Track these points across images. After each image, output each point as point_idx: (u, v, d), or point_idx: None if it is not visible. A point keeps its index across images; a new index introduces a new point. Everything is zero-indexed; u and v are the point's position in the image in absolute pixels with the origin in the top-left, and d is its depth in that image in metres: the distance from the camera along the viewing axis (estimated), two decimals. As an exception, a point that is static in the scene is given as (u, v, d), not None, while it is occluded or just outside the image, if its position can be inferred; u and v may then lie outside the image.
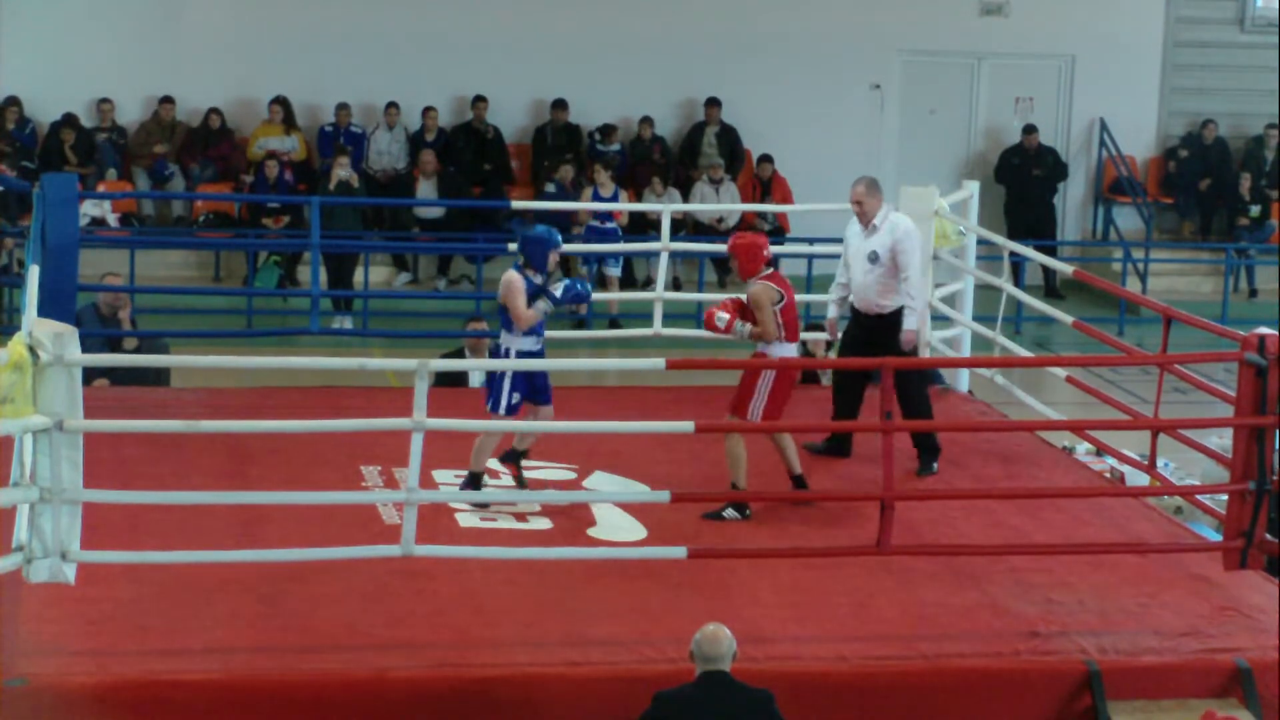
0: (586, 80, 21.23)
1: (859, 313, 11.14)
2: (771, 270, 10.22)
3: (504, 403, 9.94)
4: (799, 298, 17.66)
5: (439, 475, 10.23)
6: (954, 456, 11.14)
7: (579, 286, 10.09)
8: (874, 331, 11.02)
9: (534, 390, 10.06)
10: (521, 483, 10.18)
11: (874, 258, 10.94)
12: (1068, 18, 22.12)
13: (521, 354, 9.99)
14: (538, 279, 9.95)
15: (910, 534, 9.47)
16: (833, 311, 11.51)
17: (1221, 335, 9.66)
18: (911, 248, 10.92)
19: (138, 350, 13.26)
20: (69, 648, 7.92)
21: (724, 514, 9.82)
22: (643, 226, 19.79)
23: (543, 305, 9.92)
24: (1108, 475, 11.79)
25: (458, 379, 12.85)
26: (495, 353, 10.31)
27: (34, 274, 10.59)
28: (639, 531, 9.64)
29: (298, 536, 8.88)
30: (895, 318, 10.98)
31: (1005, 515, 10.07)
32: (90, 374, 9.23)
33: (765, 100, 21.56)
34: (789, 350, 10.20)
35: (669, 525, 9.58)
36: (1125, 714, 8.22)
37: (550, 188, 20.21)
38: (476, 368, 12.82)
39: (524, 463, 10.51)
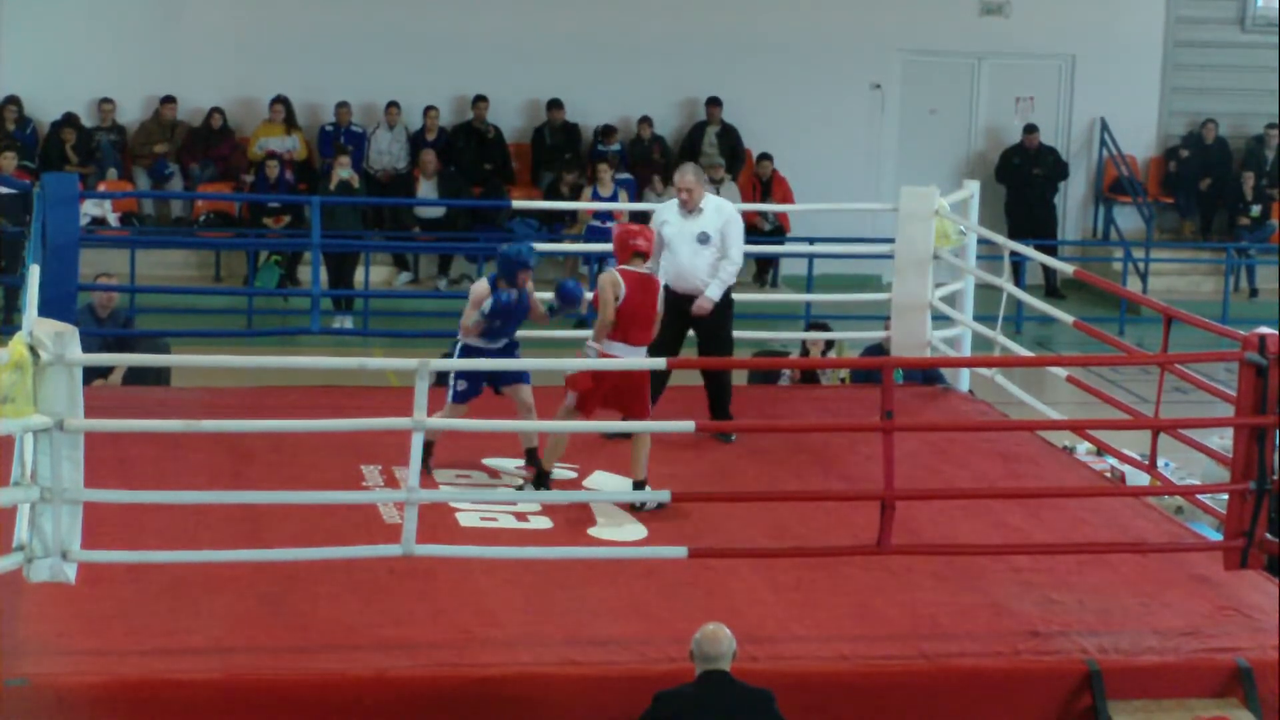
0: (586, 80, 21.23)
1: (677, 294, 11.14)
2: (634, 268, 10.02)
3: (450, 389, 10.18)
4: (801, 297, 17.75)
5: (439, 475, 10.24)
6: (954, 456, 11.15)
7: (505, 298, 10.12)
8: (690, 312, 11.28)
9: (493, 377, 10.21)
10: (544, 479, 10.22)
11: (705, 239, 11.22)
12: (1068, 18, 22.12)
13: (467, 348, 10.27)
14: (511, 294, 10.08)
15: (910, 534, 9.47)
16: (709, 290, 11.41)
17: (1222, 335, 9.66)
18: (739, 230, 11.35)
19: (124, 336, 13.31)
20: (69, 648, 7.91)
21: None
22: (643, 226, 19.77)
23: (474, 316, 10.13)
24: (1108, 475, 11.79)
25: (458, 379, 12.83)
26: (452, 347, 10.54)
27: (34, 274, 10.59)
28: (639, 531, 9.64)
29: (298, 536, 8.89)
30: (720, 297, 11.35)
31: (1005, 515, 10.07)
32: (89, 375, 9.26)
33: (765, 100, 21.55)
34: (622, 350, 9.89)
35: (669, 525, 9.58)
36: (1125, 714, 8.23)
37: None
38: (476, 367, 12.81)
39: (526, 463, 10.51)
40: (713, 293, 11.29)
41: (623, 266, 10.01)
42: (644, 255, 10.16)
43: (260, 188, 19.92)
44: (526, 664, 8.05)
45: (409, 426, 8.24)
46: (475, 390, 10.24)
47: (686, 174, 11.34)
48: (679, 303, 11.12)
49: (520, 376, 10.28)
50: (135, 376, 12.47)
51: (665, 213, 11.42)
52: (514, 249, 10.17)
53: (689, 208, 11.27)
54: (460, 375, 10.15)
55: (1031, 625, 8.65)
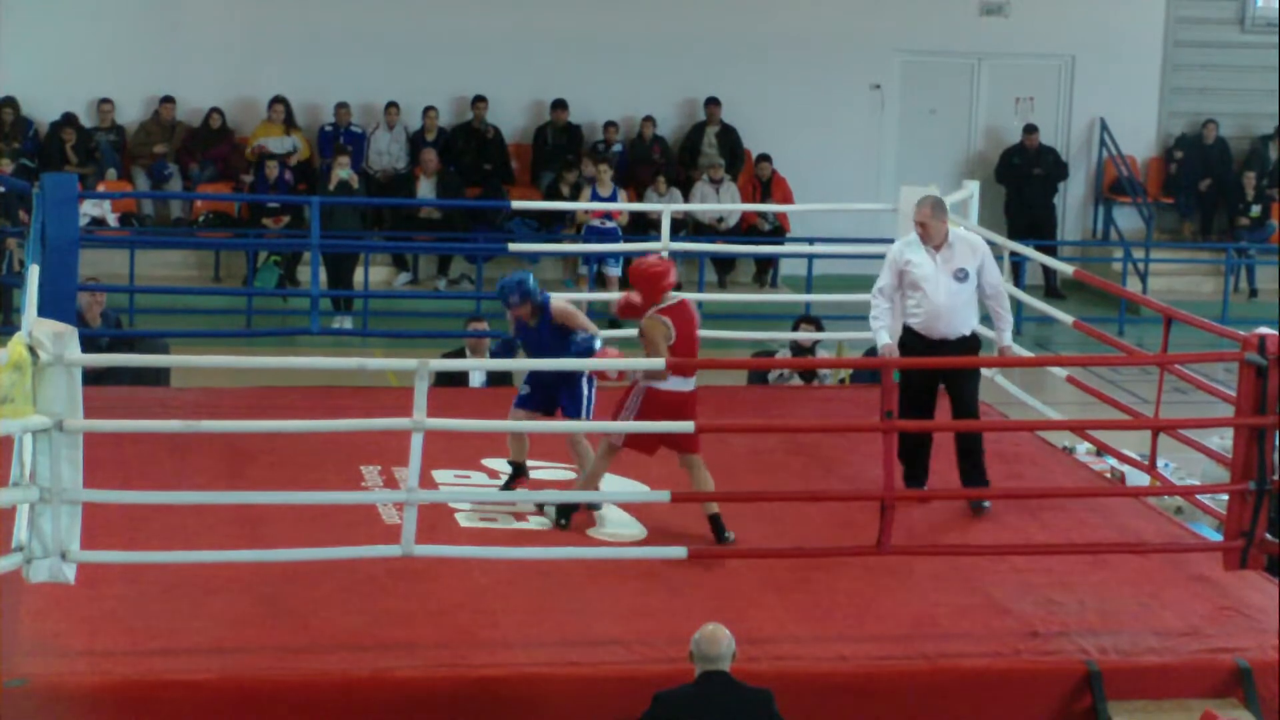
0: (586, 80, 21.22)
1: (929, 339, 10.32)
2: (673, 301, 9.56)
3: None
4: (800, 297, 17.76)
5: (439, 475, 10.24)
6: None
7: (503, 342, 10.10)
8: (950, 355, 10.32)
9: (559, 397, 9.92)
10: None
11: (963, 276, 10.21)
12: (1068, 18, 22.11)
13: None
14: (509, 337, 10.04)
15: (910, 534, 9.47)
16: (887, 338, 10.52)
17: (1222, 335, 9.66)
18: (992, 265, 10.32)
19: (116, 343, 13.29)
20: (69, 648, 7.92)
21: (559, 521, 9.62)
22: (643, 226, 19.81)
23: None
24: (1108, 475, 11.80)
25: (458, 379, 12.85)
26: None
27: (34, 274, 10.59)
28: (639, 531, 9.64)
29: (298, 536, 8.88)
30: (972, 340, 10.43)
31: (1005, 515, 10.07)
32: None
33: (765, 100, 21.55)
34: (680, 384, 9.44)
35: (669, 525, 9.58)
36: (1125, 714, 8.23)
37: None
38: (476, 367, 12.83)
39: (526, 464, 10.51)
40: (1009, 339, 10.41)
41: (661, 306, 9.54)
42: (674, 289, 9.64)
43: (259, 188, 19.92)
44: (526, 664, 8.05)
45: (409, 427, 8.23)
46: (537, 402, 9.90)
47: (923, 206, 10.23)
48: (933, 348, 10.26)
49: (578, 411, 9.86)
50: (134, 377, 12.45)
51: (907, 251, 10.31)
52: (497, 290, 9.88)
53: (932, 243, 10.20)
54: (519, 404, 9.92)
55: (1031, 625, 8.66)
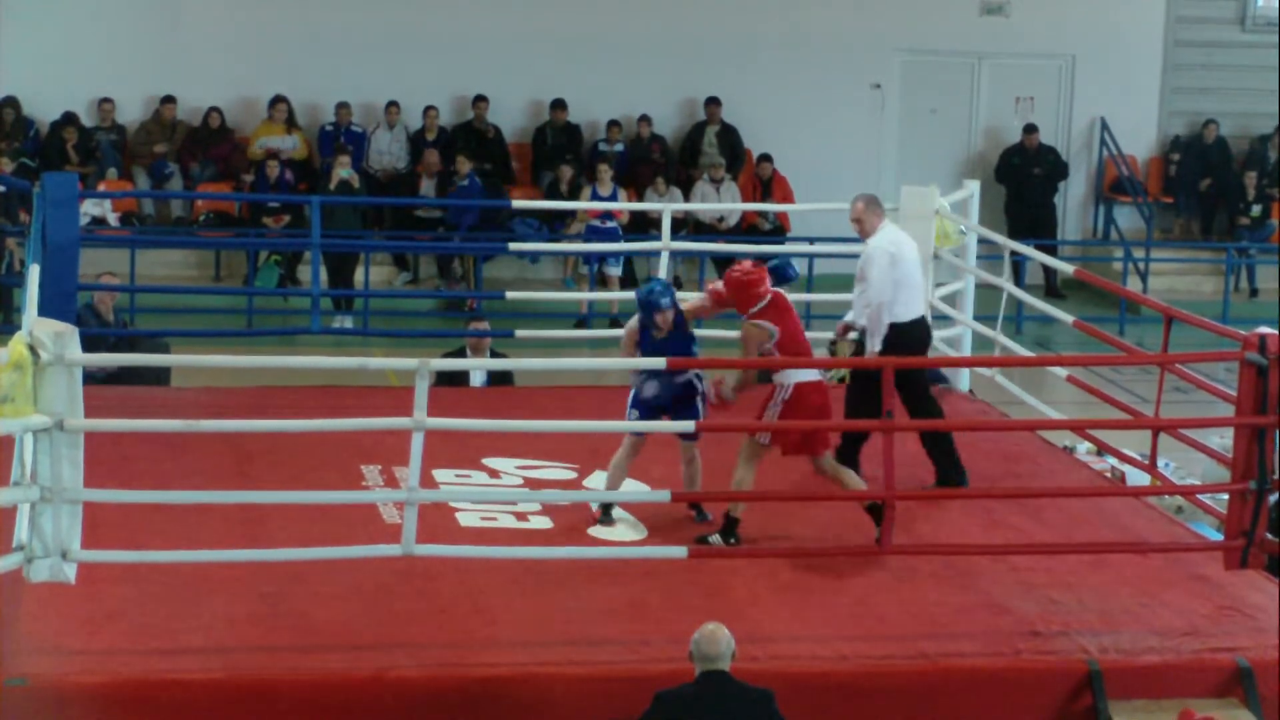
0: (586, 80, 21.23)
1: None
2: (767, 302, 9.63)
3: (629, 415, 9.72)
4: (801, 296, 17.75)
5: (439, 475, 10.23)
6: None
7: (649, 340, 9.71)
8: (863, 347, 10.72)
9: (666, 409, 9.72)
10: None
11: (860, 274, 10.61)
12: (1068, 17, 22.13)
13: (639, 397, 9.72)
14: (657, 335, 9.70)
15: (910, 534, 9.47)
16: (848, 316, 10.89)
17: (1222, 335, 9.66)
18: (870, 267, 10.45)
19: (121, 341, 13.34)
20: (69, 648, 7.92)
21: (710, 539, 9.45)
22: (644, 226, 19.81)
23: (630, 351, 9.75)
24: (1108, 475, 11.80)
25: (458, 379, 12.85)
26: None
27: (34, 273, 10.59)
28: (639, 531, 9.64)
29: (298, 536, 8.88)
30: (864, 339, 10.66)
31: (1005, 515, 10.07)
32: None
33: (765, 100, 21.56)
34: (809, 374, 9.61)
35: (669, 525, 9.57)
36: (1125, 713, 8.23)
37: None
38: (477, 367, 12.83)
39: (526, 462, 10.50)
40: (872, 345, 10.56)
41: (756, 310, 9.61)
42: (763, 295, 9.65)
43: (260, 187, 19.93)
44: (526, 664, 8.05)
45: (409, 426, 8.23)
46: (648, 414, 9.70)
47: (856, 203, 10.63)
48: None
49: (692, 434, 9.65)
50: (134, 376, 12.46)
51: None
52: (644, 290, 9.75)
53: (861, 238, 10.62)
54: (633, 405, 9.75)
55: (1031, 625, 8.66)
